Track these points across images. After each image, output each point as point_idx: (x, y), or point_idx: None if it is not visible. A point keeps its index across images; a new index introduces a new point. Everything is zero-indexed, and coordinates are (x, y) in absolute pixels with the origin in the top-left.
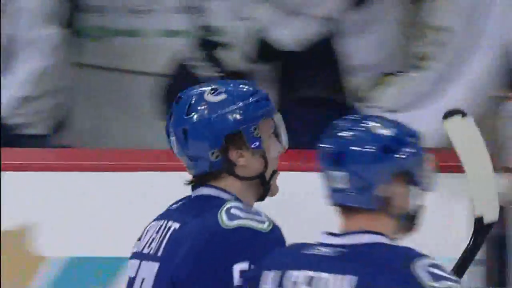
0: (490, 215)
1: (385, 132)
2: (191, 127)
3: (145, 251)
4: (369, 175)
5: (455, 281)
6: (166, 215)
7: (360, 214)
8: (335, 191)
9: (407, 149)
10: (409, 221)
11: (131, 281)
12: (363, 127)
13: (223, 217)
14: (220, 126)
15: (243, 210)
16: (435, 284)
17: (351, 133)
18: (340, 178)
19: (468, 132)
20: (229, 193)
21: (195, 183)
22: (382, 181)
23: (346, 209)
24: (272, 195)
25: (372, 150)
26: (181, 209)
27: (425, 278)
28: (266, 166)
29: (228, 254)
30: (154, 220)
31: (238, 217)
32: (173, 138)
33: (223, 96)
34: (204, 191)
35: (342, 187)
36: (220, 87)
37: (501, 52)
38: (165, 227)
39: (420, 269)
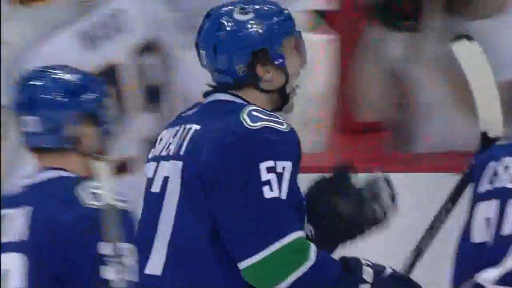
0: (495, 130)
1: (70, 78)
2: (221, 43)
3: (163, 153)
4: (57, 117)
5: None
6: (180, 121)
7: (51, 154)
8: (28, 135)
9: (90, 93)
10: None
11: (150, 181)
12: (51, 74)
13: (246, 119)
14: (247, 43)
15: (263, 112)
16: (94, 202)
17: (39, 80)
18: (32, 122)
19: (474, 53)
20: (244, 99)
21: (214, 90)
22: (70, 122)
23: (40, 151)
24: (289, 111)
25: (58, 94)
26: (198, 113)
27: (86, 199)
28: (287, 81)
29: (255, 152)
30: (164, 129)
31: (261, 119)
32: (202, 52)
33: (250, 15)
34: (218, 96)
35: (35, 131)
36: (248, 6)
37: None
38: (184, 129)
39: (81, 190)
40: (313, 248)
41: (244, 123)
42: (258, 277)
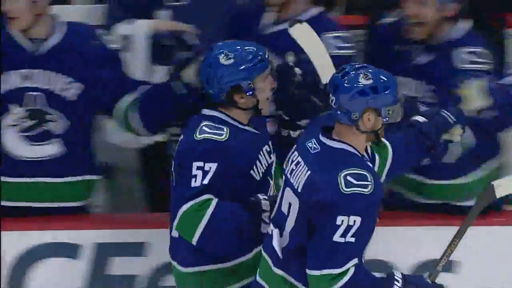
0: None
1: (365, 82)
2: (210, 78)
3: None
4: (348, 104)
5: (365, 186)
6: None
7: (342, 128)
8: (332, 109)
9: (378, 94)
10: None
11: None
12: (352, 75)
13: (197, 132)
14: (227, 80)
15: (211, 127)
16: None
17: (345, 76)
18: (331, 100)
19: (307, 33)
20: (223, 113)
21: (208, 104)
22: (357, 110)
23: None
24: (265, 114)
25: (351, 90)
26: (189, 123)
27: (346, 180)
28: (258, 102)
29: (193, 156)
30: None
31: (205, 132)
32: (201, 79)
33: (231, 61)
34: (206, 111)
35: (334, 107)
36: (230, 53)
37: None
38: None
39: (345, 172)
40: (212, 205)
41: (194, 135)
42: (182, 232)
